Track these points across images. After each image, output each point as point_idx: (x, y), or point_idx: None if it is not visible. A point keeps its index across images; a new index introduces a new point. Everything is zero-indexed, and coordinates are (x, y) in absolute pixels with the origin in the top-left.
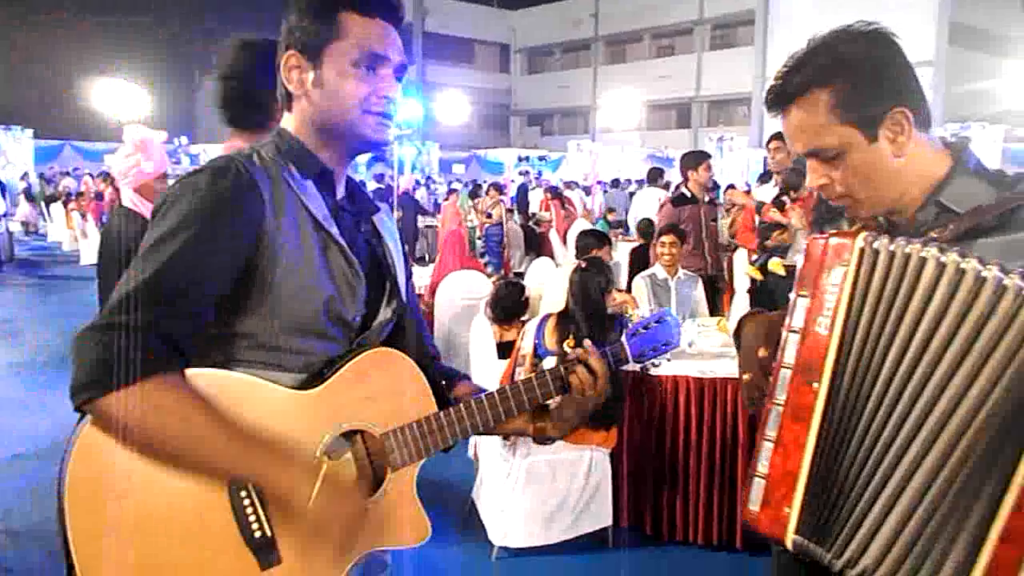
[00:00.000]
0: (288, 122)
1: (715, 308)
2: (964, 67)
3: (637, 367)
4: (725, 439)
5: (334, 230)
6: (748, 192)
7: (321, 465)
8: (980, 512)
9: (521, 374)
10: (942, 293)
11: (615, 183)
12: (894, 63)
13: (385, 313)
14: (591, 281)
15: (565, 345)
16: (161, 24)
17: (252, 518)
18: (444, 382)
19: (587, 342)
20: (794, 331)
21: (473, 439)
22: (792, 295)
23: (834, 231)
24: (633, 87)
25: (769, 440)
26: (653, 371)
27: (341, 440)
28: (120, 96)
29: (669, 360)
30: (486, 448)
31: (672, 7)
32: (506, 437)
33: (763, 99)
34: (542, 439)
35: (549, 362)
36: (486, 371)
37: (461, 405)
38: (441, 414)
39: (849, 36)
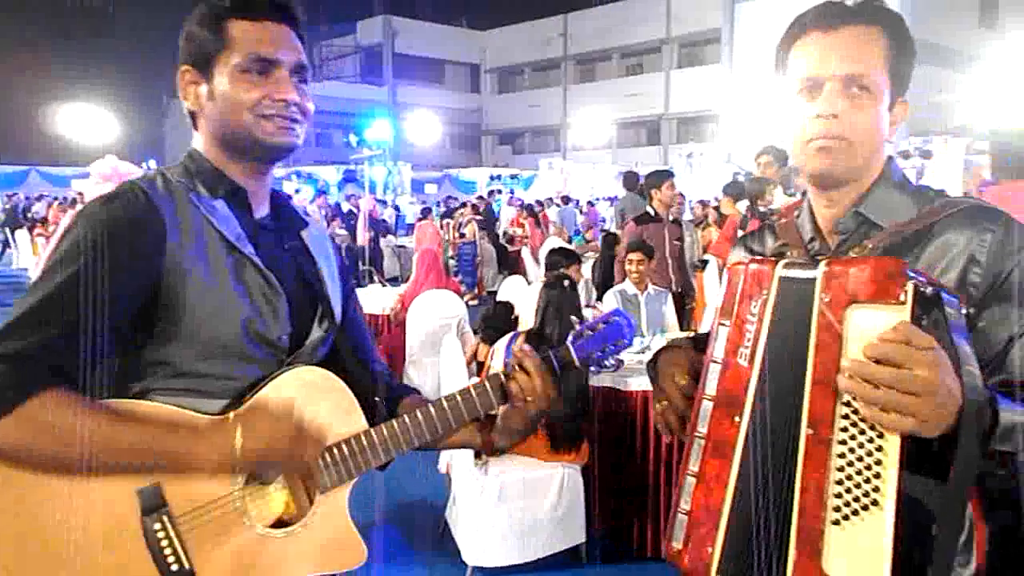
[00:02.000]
0: (197, 141)
1: (683, 324)
2: (924, 82)
3: (610, 377)
4: None
5: (248, 249)
6: (716, 207)
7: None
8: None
9: None
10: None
11: (565, 200)
12: (913, 65)
13: (317, 332)
14: (562, 298)
15: None
16: (128, 49)
17: (168, 551)
18: (390, 399)
19: (525, 346)
20: (715, 361)
21: (445, 457)
22: (714, 323)
23: (755, 258)
24: (603, 105)
25: (692, 475)
26: (624, 387)
27: (268, 465)
28: (86, 121)
29: (623, 362)
30: (458, 466)
31: (640, 26)
32: (478, 455)
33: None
34: (491, 451)
35: None
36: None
37: (394, 421)
38: (372, 431)
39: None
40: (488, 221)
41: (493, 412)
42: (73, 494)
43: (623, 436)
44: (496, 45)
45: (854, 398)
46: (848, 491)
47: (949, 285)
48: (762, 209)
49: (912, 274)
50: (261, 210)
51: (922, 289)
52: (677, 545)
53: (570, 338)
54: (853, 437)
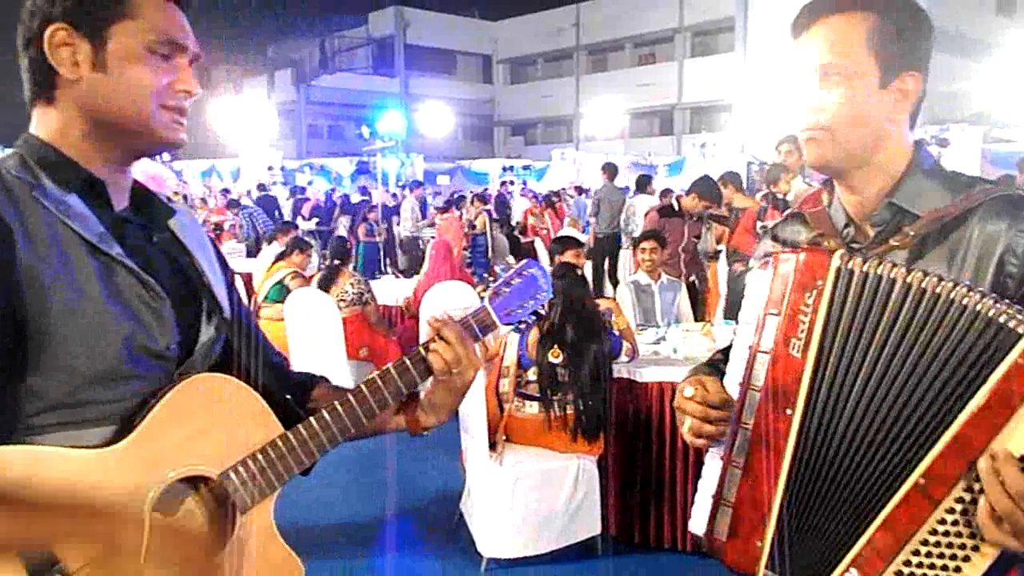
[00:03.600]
0: (44, 121)
1: (697, 315)
2: (942, 70)
3: (626, 368)
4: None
5: (115, 250)
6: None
7: (145, 520)
8: None
9: (505, 386)
10: (908, 316)
11: (579, 190)
12: (926, 35)
13: (207, 332)
14: (574, 286)
15: (550, 355)
16: None
17: None
18: (297, 392)
19: (443, 314)
20: (764, 352)
21: (463, 447)
22: (759, 312)
23: (805, 247)
24: (615, 95)
25: (736, 466)
26: (639, 378)
27: (176, 490)
28: None
29: (543, 313)
30: (473, 458)
31: (652, 15)
32: (492, 446)
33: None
34: (417, 430)
35: (533, 374)
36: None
37: (312, 420)
38: (289, 434)
39: None
40: (501, 213)
41: (416, 389)
42: None
43: (638, 428)
44: (507, 36)
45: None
46: (929, 555)
47: (985, 276)
48: (778, 196)
49: None
50: (120, 203)
51: None
52: (721, 537)
53: (487, 299)
54: (964, 512)
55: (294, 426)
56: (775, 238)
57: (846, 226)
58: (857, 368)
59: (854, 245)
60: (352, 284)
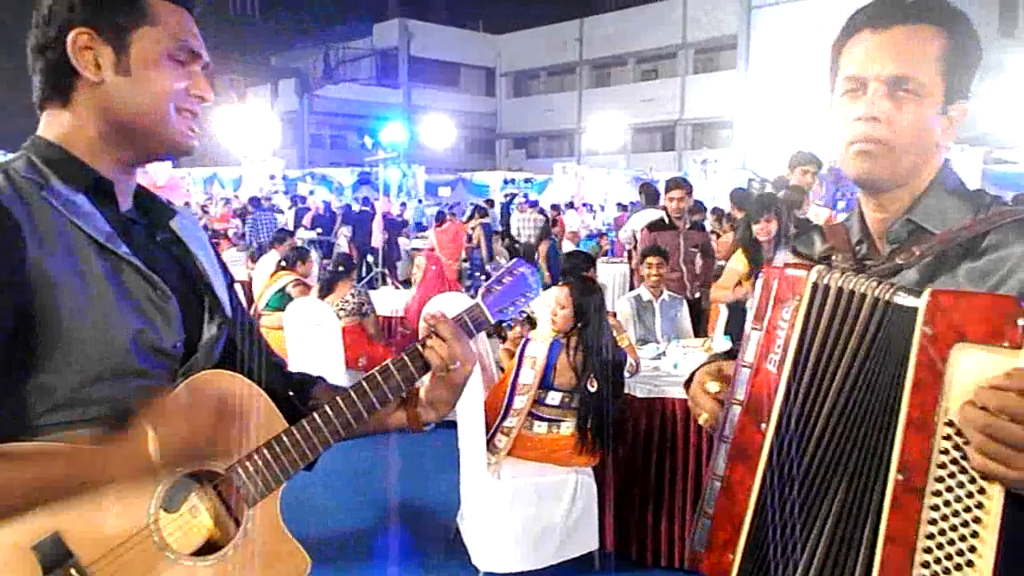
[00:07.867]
0: (56, 123)
1: (698, 331)
2: None
3: (625, 384)
4: None
5: (122, 249)
6: (729, 215)
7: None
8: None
9: (520, 403)
10: (872, 330)
11: (588, 207)
12: (976, 66)
13: (210, 331)
14: (599, 300)
15: (588, 385)
16: None
17: None
18: (298, 390)
19: (437, 312)
20: (746, 366)
21: (460, 461)
22: (747, 327)
23: (791, 262)
24: (618, 110)
25: (717, 479)
26: (639, 394)
27: (183, 486)
28: None
29: (531, 313)
30: (470, 471)
31: (655, 31)
32: (495, 454)
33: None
34: (419, 427)
35: (553, 397)
36: (468, 395)
37: (316, 415)
38: (293, 429)
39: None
40: (504, 225)
41: (415, 386)
42: None
43: (637, 444)
44: (511, 49)
45: (957, 446)
46: (940, 547)
47: None
48: (799, 217)
49: None
50: (125, 204)
51: None
52: (700, 549)
53: (479, 296)
54: (950, 489)
55: (298, 422)
56: (794, 251)
57: (859, 242)
58: (828, 384)
59: (867, 262)
60: (352, 295)
